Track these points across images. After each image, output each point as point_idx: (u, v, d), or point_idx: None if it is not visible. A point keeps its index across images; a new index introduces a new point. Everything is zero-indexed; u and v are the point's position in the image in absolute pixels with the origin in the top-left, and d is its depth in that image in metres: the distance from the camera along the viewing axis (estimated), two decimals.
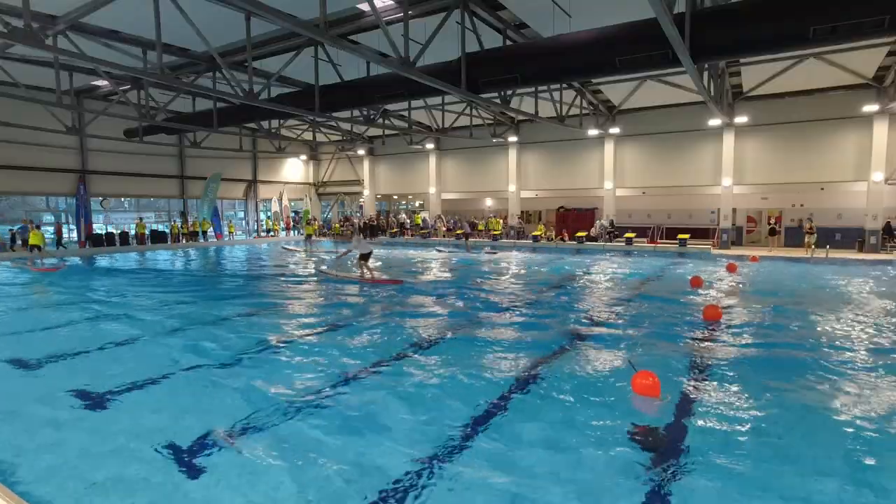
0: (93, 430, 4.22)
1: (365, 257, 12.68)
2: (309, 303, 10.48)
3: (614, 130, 21.53)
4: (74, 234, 22.97)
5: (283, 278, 13.76)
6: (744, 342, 6.94)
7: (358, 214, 33.37)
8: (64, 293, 11.56)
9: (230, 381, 5.39)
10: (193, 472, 3.54)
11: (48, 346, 6.86)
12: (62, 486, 3.39)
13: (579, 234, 23.12)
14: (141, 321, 8.35)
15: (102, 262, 18.60)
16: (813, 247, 17.83)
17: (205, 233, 25.97)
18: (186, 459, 3.73)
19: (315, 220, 30.93)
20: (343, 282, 12.72)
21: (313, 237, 25.88)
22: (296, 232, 31.35)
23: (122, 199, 26.12)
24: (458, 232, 24.48)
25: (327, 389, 5.12)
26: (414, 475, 3.51)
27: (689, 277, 12.16)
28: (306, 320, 8.60)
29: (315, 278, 13.70)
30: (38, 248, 16.45)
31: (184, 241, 25.18)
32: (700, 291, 10.99)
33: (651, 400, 4.84)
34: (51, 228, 23.44)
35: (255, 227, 30.15)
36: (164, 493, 3.33)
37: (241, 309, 9.42)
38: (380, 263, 16.07)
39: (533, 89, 16.14)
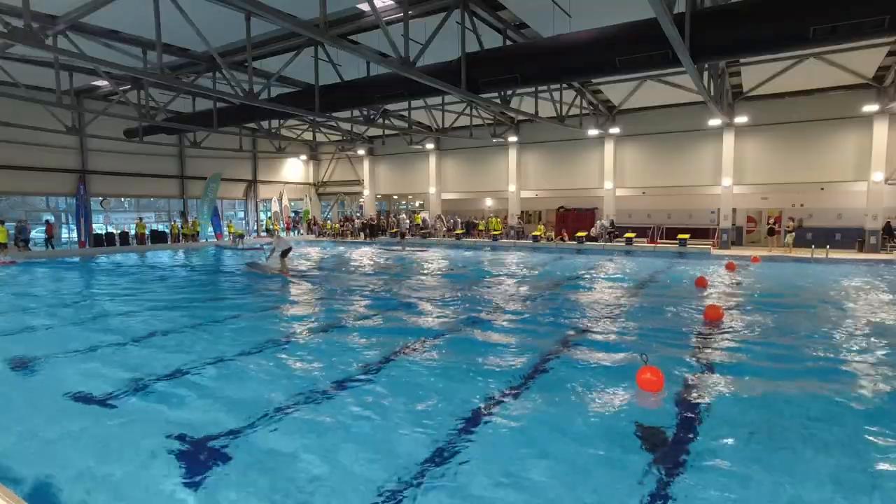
0: None
1: (285, 253, 14.27)
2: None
3: (614, 130, 21.53)
4: (74, 234, 22.98)
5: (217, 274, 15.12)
6: (746, 342, 6.93)
7: (357, 214, 33.38)
8: None
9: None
10: None
11: None
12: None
13: (579, 234, 23.11)
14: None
15: (65, 261, 18.64)
16: (790, 246, 18.22)
17: (196, 234, 25.85)
18: None
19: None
20: (269, 276, 13.92)
21: (245, 237, 27.34)
22: (295, 232, 31.38)
23: (122, 199, 26.12)
24: (397, 230, 26.67)
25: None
26: (409, 477, 3.51)
27: (695, 278, 12.12)
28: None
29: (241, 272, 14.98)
30: (3, 245, 16.73)
31: (184, 241, 25.18)
32: (706, 291, 10.95)
33: (653, 396, 4.87)
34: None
35: (255, 228, 30.15)
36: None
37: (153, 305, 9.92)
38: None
39: (533, 89, 16.13)
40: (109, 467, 3.63)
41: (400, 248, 23.15)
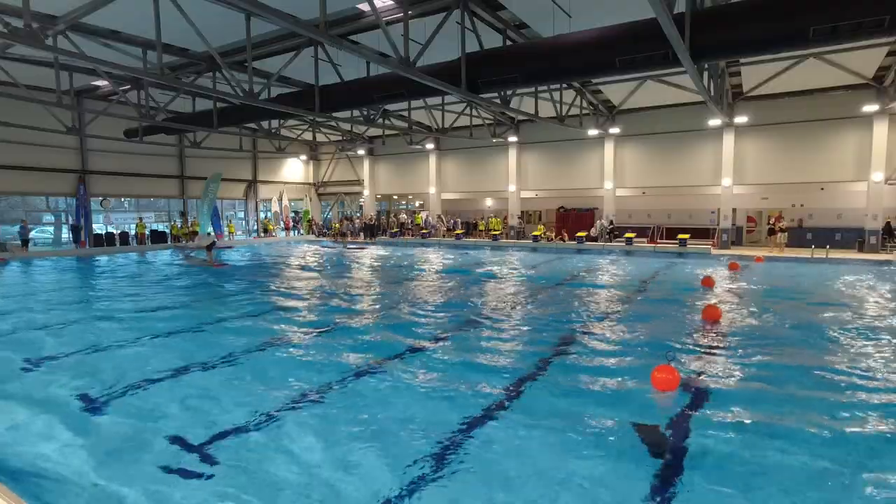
0: None
1: (210, 247, 17.29)
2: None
3: (614, 130, 21.53)
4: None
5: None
6: (748, 342, 6.93)
7: (357, 215, 33.38)
8: None
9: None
10: None
11: None
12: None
13: (579, 234, 23.11)
14: None
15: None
16: (783, 245, 18.46)
17: (194, 234, 25.77)
18: None
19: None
20: (200, 267, 16.35)
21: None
22: (295, 232, 31.37)
23: (122, 199, 26.10)
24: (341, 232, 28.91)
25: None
26: (407, 475, 3.51)
27: (702, 278, 12.06)
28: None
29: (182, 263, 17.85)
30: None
31: (184, 241, 25.15)
32: (713, 292, 10.88)
33: (666, 394, 4.88)
34: (50, 228, 23.54)
35: (256, 227, 30.14)
36: None
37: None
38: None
39: (533, 89, 16.14)
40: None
41: (341, 246, 24.88)
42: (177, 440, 4.03)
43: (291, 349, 6.71)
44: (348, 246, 24.92)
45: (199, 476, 3.51)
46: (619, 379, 5.42)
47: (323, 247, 25.24)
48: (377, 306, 9.75)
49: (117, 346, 6.88)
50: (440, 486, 3.38)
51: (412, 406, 4.69)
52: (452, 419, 4.39)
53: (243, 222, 30.39)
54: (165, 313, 9.09)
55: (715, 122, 18.28)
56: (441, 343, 6.97)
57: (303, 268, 16.70)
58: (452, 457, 3.76)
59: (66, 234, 23.48)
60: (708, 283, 11.56)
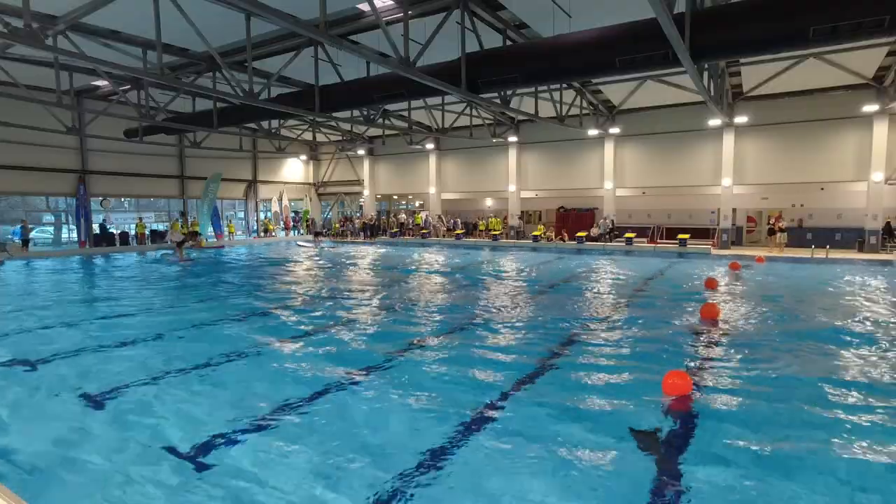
0: None
1: (179, 244, 18.79)
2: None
3: (614, 130, 21.54)
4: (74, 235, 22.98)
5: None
6: (751, 345, 6.92)
7: (358, 215, 33.39)
8: None
9: None
10: None
11: None
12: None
13: (579, 234, 23.11)
14: None
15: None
16: (782, 245, 18.54)
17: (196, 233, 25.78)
18: None
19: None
20: (176, 263, 17.62)
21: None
22: (295, 232, 31.37)
23: (122, 199, 26.10)
24: (315, 231, 30.34)
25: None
26: (405, 475, 3.51)
27: (705, 279, 12.03)
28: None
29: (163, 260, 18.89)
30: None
31: (189, 242, 25.11)
32: (716, 292, 10.85)
33: (674, 399, 4.86)
34: (50, 228, 23.55)
35: (256, 227, 30.13)
36: None
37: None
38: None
39: (533, 89, 16.14)
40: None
41: (313, 245, 26.17)
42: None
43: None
44: (320, 244, 26.62)
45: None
46: (621, 381, 5.41)
47: (297, 245, 26.31)
48: (339, 309, 9.75)
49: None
50: (430, 496, 3.32)
51: (398, 414, 4.66)
52: (444, 426, 4.36)
53: (243, 222, 30.39)
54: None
55: (715, 122, 18.29)
56: (437, 344, 6.97)
57: (269, 265, 17.17)
58: (443, 466, 3.73)
59: (66, 234, 23.52)
60: (711, 284, 11.54)
